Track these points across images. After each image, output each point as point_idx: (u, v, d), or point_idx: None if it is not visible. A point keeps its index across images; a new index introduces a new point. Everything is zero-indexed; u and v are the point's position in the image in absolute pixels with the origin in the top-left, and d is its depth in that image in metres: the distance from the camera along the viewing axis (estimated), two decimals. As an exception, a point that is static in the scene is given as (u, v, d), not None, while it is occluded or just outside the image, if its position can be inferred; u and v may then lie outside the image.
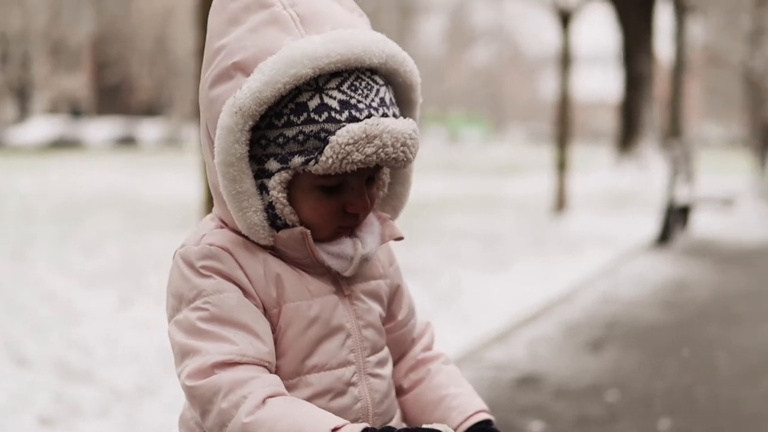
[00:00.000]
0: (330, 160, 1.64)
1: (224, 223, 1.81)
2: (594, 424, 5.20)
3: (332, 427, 1.60)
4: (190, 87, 57.52)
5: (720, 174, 31.79)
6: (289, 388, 1.74)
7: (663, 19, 33.61)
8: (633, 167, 29.13)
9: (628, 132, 30.43)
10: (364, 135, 1.63)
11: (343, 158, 1.63)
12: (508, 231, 14.29)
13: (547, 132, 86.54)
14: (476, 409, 1.94)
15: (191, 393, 1.67)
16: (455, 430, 1.90)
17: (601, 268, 11.06)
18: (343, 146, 1.63)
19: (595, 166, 32.92)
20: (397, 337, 1.99)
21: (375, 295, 1.90)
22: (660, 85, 35.70)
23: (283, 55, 1.65)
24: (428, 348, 2.05)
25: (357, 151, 1.63)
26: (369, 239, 1.83)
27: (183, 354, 1.70)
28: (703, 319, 8.41)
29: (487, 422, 1.92)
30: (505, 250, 12.10)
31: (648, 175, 27.40)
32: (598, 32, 48.82)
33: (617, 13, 29.81)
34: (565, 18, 17.59)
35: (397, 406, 1.97)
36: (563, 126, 17.16)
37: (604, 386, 6.03)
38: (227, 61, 1.72)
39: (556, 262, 11.16)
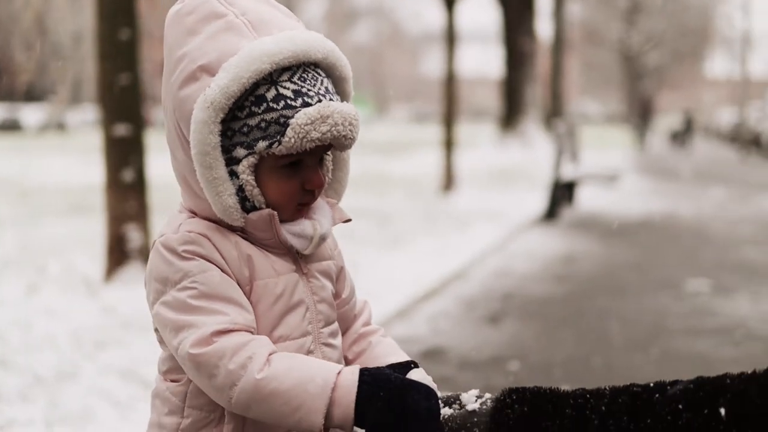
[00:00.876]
0: (292, 140, 1.87)
1: (194, 213, 2.02)
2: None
3: (337, 370, 1.82)
4: (74, 70, 56.53)
5: (602, 149, 32.48)
6: None
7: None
8: (517, 144, 29.64)
9: (511, 110, 30.94)
10: (318, 116, 1.88)
11: (303, 137, 1.87)
12: (400, 209, 14.56)
13: (431, 111, 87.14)
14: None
15: (196, 360, 1.85)
16: None
17: (493, 244, 11.39)
18: (302, 126, 1.87)
19: (479, 143, 33.38)
20: (342, 314, 2.20)
21: (327, 274, 2.12)
22: (540, 63, 36.30)
23: (244, 54, 1.89)
24: (367, 323, 2.27)
25: (314, 130, 1.87)
26: (324, 221, 2.06)
27: (177, 329, 1.88)
28: (593, 290, 8.78)
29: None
30: (399, 228, 12.36)
31: (532, 152, 27.92)
32: (479, 10, 49.28)
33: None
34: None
35: None
36: (449, 104, 17.44)
37: (505, 357, 6.32)
38: (192, 66, 1.93)
39: (449, 239, 11.45)
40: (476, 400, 1.92)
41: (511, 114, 30.91)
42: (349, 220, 2.15)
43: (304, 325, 2.02)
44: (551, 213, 14.19)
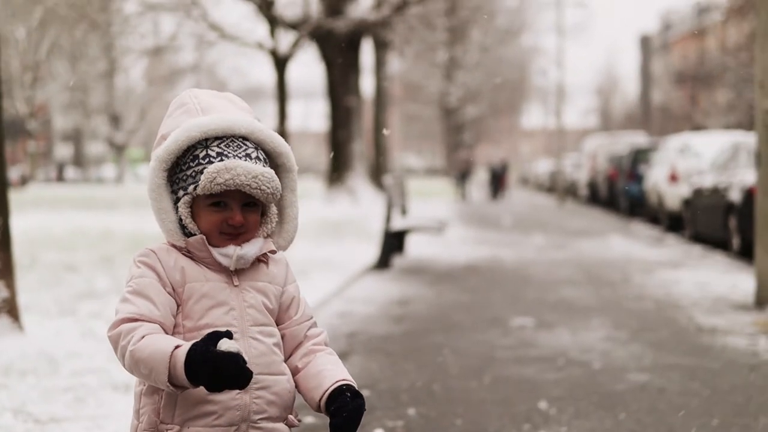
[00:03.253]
0: (203, 182, 2.70)
1: (168, 243, 2.82)
2: (355, 415, 6.19)
3: (174, 345, 2.58)
4: None
5: (427, 201, 33.61)
6: (194, 337, 2.66)
7: (364, 54, 35.18)
8: (345, 198, 30.38)
9: (337, 164, 31.68)
10: (223, 167, 2.70)
11: (211, 181, 2.69)
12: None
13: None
14: (342, 377, 2.84)
15: (109, 338, 2.69)
16: (326, 390, 2.78)
17: (332, 290, 12.11)
18: (210, 173, 2.70)
19: (308, 197, 34.12)
20: (293, 331, 2.93)
21: (260, 290, 2.86)
22: (363, 118, 37.33)
23: (184, 126, 2.76)
24: (318, 343, 2.95)
25: (219, 177, 2.69)
26: (248, 248, 2.81)
27: (115, 313, 2.72)
28: (428, 328, 9.58)
29: (348, 386, 2.81)
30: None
31: (359, 206, 28.77)
32: (303, 67, 50.26)
33: (322, 53, 30.93)
34: (279, 61, 18.67)
35: (286, 372, 2.85)
36: (281, 161, 18.07)
37: (358, 387, 7.02)
38: (159, 135, 2.81)
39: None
40: None
41: (337, 169, 31.64)
42: (274, 252, 2.89)
43: (228, 318, 2.77)
44: (384, 261, 14.97)
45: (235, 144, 2.75)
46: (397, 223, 15.86)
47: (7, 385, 6.92)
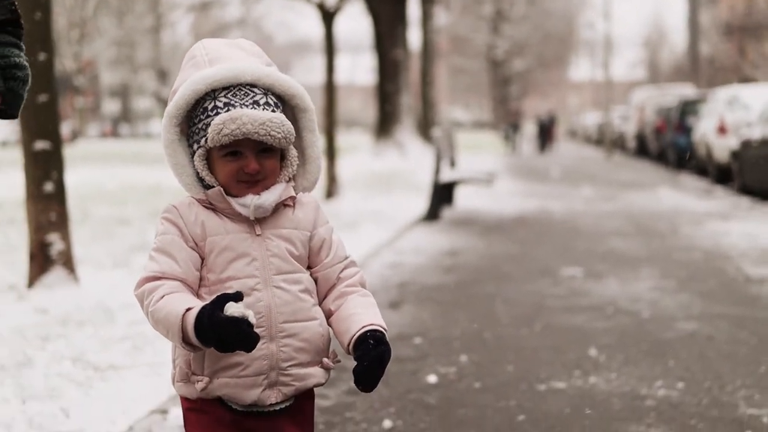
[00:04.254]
0: (211, 135, 2.69)
1: (191, 196, 2.85)
2: (409, 361, 6.32)
3: (186, 307, 2.58)
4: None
5: (473, 153, 33.64)
6: (218, 290, 2.70)
7: (411, 7, 35.09)
8: (392, 151, 30.46)
9: (385, 118, 31.73)
10: (228, 118, 2.68)
11: (218, 132, 2.68)
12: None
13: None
14: (368, 322, 2.81)
15: (136, 298, 2.74)
16: (353, 336, 2.79)
17: (382, 242, 12.25)
18: (216, 125, 2.68)
19: (357, 150, 34.24)
20: (325, 274, 2.92)
21: (284, 237, 2.84)
22: (410, 72, 37.28)
23: (190, 80, 2.76)
24: (352, 285, 2.94)
25: (225, 127, 2.67)
26: (266, 196, 2.78)
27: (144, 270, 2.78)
28: (478, 278, 9.70)
29: (373, 333, 2.80)
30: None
31: (407, 159, 28.85)
32: (349, 20, 50.14)
33: (369, 6, 30.88)
34: (326, 14, 18.68)
35: (317, 316, 2.86)
36: (330, 114, 18.19)
37: (409, 335, 7.17)
38: (172, 90, 2.84)
39: (341, 238, 12.23)
40: None
41: (385, 122, 31.68)
42: (293, 198, 2.86)
43: (249, 270, 2.75)
44: (433, 213, 15.09)
45: (242, 92, 2.74)
46: (446, 175, 15.95)
47: (65, 334, 7.12)
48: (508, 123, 47.53)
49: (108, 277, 9.55)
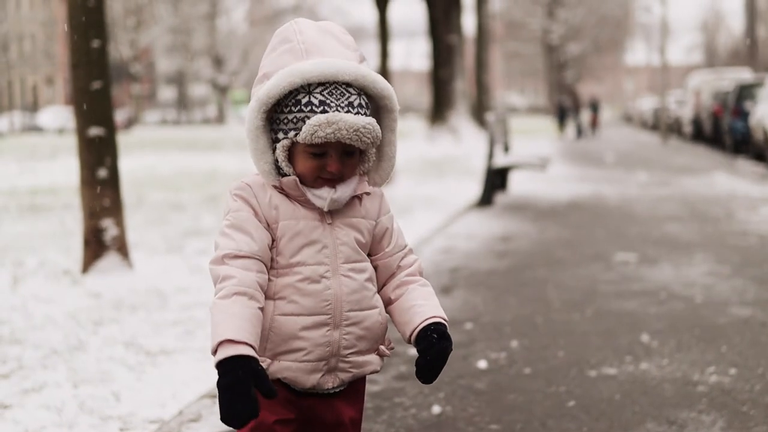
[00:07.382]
0: (305, 134, 2.67)
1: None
2: (460, 347, 6.32)
3: (226, 337, 2.52)
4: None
5: (528, 137, 33.51)
6: (286, 274, 2.75)
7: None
8: (447, 137, 30.46)
9: (440, 103, 31.72)
10: (325, 121, 2.66)
11: (312, 134, 2.66)
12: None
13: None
14: (431, 314, 2.86)
15: (210, 270, 2.72)
16: (415, 328, 2.83)
17: (435, 227, 12.26)
18: (312, 126, 2.66)
19: (411, 136, 34.23)
20: (386, 262, 2.94)
21: (353, 227, 2.86)
22: (465, 57, 37.19)
23: (286, 70, 2.72)
24: (412, 274, 2.98)
25: (320, 130, 2.66)
26: (342, 189, 2.80)
27: (215, 246, 2.75)
28: (530, 264, 9.67)
29: (436, 326, 2.84)
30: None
31: (462, 144, 28.81)
32: (404, 6, 50.09)
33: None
34: (381, 0, 18.72)
35: (378, 305, 2.89)
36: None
37: (461, 320, 7.16)
38: (262, 72, 2.80)
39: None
40: None
41: (440, 108, 31.67)
42: (367, 193, 2.88)
43: (320, 257, 2.77)
44: (486, 198, 15.06)
45: (339, 92, 2.71)
46: (500, 160, 15.91)
47: (118, 319, 7.20)
48: (569, 107, 47.23)
49: (161, 262, 9.64)
